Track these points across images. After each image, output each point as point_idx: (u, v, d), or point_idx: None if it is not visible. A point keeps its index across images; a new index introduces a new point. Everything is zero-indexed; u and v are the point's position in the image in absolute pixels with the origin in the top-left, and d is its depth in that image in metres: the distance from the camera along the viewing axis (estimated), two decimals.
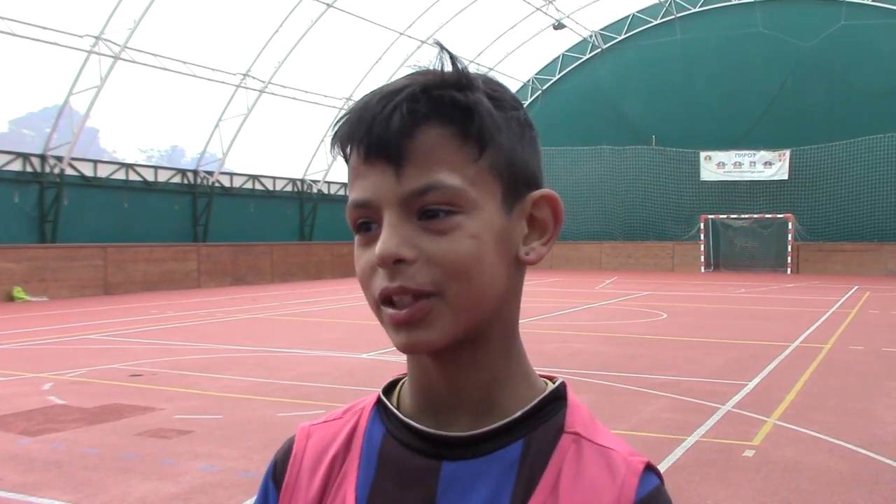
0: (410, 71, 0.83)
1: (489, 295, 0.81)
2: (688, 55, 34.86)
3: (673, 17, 35.29)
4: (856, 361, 10.95)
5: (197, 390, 8.92)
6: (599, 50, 36.67)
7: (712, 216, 33.67)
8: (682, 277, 30.43)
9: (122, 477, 5.80)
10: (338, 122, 0.84)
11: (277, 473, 0.93)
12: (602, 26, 36.39)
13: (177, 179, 26.94)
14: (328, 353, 11.58)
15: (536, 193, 0.85)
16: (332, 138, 0.85)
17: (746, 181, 33.45)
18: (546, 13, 33.33)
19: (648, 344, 12.59)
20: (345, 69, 30.67)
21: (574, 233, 33.96)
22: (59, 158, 22.82)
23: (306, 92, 29.63)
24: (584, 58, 36.93)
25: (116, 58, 22.78)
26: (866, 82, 31.66)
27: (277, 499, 0.92)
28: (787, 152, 32.45)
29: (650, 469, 0.83)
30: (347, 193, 0.86)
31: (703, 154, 33.63)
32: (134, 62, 23.62)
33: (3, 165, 21.72)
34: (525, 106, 0.88)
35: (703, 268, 33.60)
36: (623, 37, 36.33)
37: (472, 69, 0.83)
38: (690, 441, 6.75)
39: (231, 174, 28.90)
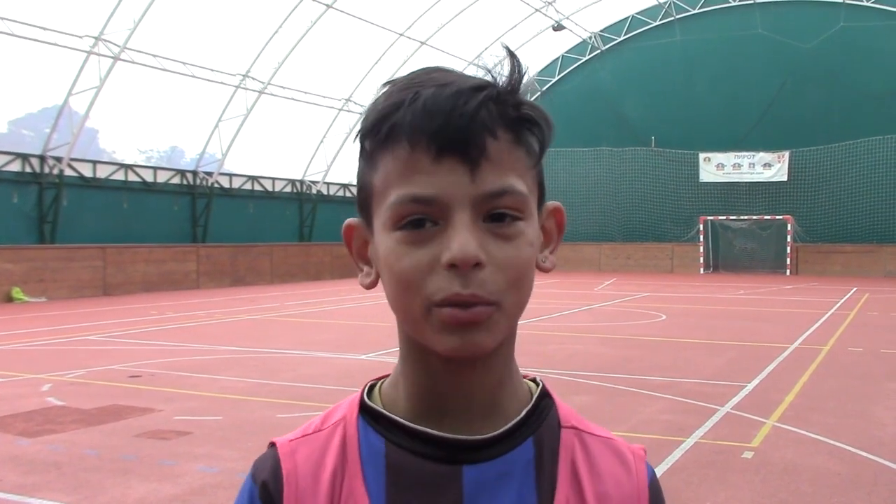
0: (476, 70, 0.81)
1: (527, 303, 0.82)
2: (687, 57, 34.88)
3: (672, 18, 35.32)
4: (855, 363, 10.95)
5: (196, 391, 8.91)
6: (599, 51, 36.68)
7: (711, 217, 33.69)
8: (682, 279, 30.44)
9: (121, 478, 5.79)
10: (384, 110, 0.79)
11: (269, 496, 0.85)
12: (602, 28, 36.42)
13: (176, 180, 26.94)
14: (327, 355, 11.58)
15: (550, 205, 0.88)
16: (378, 125, 0.79)
17: (746, 182, 33.47)
18: (546, 14, 33.35)
19: (647, 345, 12.58)
20: (344, 70, 30.71)
21: (573, 234, 33.91)
22: (59, 159, 22.81)
23: (306, 93, 29.64)
24: (584, 59, 36.95)
25: (116, 58, 22.78)
26: (865, 84, 31.67)
27: None
28: (787, 154, 32.47)
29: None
30: (351, 191, 0.83)
31: (702, 155, 33.64)
32: (133, 63, 23.63)
33: (3, 166, 21.71)
34: None
35: (702, 269, 33.61)
36: (623, 38, 36.35)
37: (471, 71, 0.83)
38: (689, 443, 6.75)
39: (230, 175, 28.90)
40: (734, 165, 33.35)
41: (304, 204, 31.89)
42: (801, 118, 32.52)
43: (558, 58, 37.18)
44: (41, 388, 9.08)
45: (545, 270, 0.87)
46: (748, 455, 6.39)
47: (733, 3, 34.57)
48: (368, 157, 0.82)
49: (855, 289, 24.49)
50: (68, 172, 23.19)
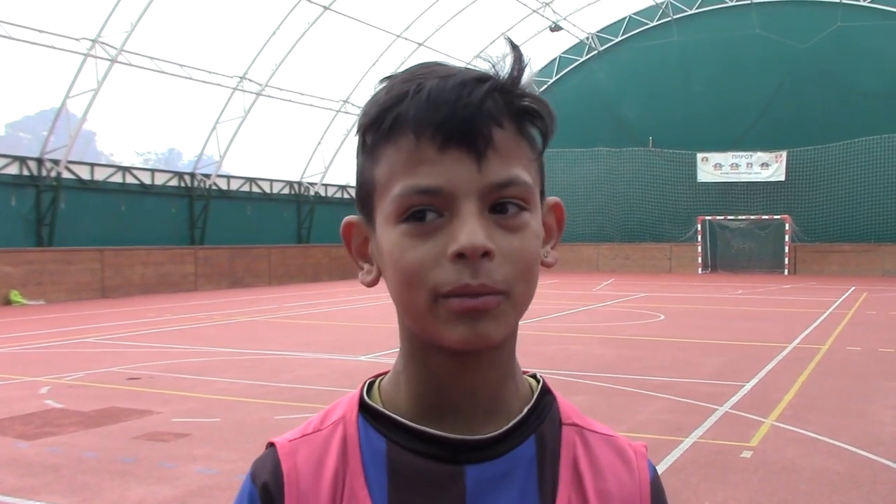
0: (480, 62, 0.81)
1: (533, 296, 0.82)
2: (684, 57, 34.91)
3: (669, 18, 35.35)
4: (853, 362, 10.96)
5: (194, 393, 8.91)
6: (596, 52, 36.71)
7: (709, 217, 33.71)
8: (680, 279, 30.46)
9: (119, 480, 5.79)
10: (386, 103, 0.78)
11: (270, 497, 0.84)
12: (599, 28, 36.45)
13: (174, 182, 26.93)
14: (326, 356, 11.57)
15: (550, 200, 0.88)
16: (381, 117, 0.79)
17: (743, 182, 33.51)
18: (543, 15, 33.37)
19: (646, 345, 12.59)
20: (342, 72, 30.70)
21: (571, 234, 33.91)
22: (56, 161, 22.79)
23: (303, 94, 29.64)
24: (581, 60, 36.97)
25: (113, 61, 22.77)
26: (862, 83, 31.72)
27: None
28: (784, 153, 32.50)
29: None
30: (353, 186, 0.83)
31: (699, 155, 33.67)
32: (131, 65, 23.61)
33: (0, 169, 21.70)
34: None
35: (700, 269, 33.64)
36: (620, 39, 36.38)
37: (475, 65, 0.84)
38: (688, 442, 6.76)
39: (228, 177, 28.88)
40: (732, 165, 33.39)
41: (302, 205, 31.88)
42: (798, 118, 32.56)
43: (556, 58, 37.21)
44: (40, 390, 9.08)
45: (547, 265, 0.87)
46: (747, 454, 6.40)
47: (730, 4, 34.61)
48: (370, 151, 0.81)
49: (853, 288, 24.52)
50: (66, 175, 23.17)
